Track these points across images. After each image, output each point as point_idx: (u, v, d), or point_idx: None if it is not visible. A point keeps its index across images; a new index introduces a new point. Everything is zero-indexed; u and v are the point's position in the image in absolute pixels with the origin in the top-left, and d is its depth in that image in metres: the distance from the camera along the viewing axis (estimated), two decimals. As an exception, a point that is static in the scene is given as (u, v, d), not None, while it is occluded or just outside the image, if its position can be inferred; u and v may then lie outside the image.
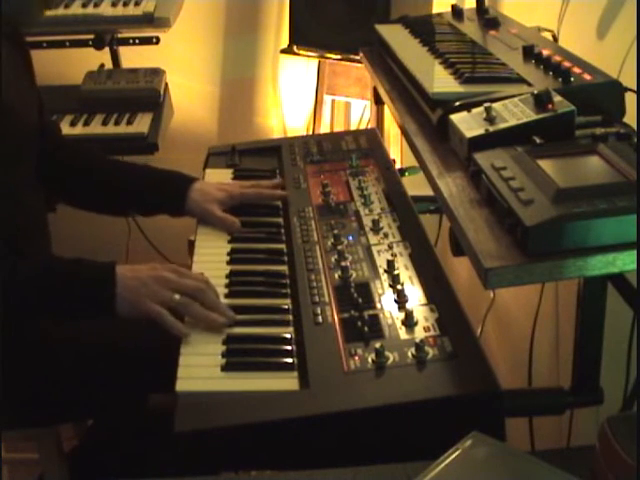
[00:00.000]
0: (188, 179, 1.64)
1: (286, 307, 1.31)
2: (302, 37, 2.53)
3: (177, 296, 1.28)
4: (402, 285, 1.29)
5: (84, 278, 1.32)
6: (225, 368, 1.16)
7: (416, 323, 1.20)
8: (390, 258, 1.36)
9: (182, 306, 1.27)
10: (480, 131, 1.22)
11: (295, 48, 2.56)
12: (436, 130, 1.38)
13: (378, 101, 2.03)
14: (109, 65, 2.59)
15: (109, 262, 1.33)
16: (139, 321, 1.49)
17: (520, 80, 1.42)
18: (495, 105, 1.27)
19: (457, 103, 1.35)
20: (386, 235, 1.46)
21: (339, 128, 2.83)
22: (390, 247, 1.42)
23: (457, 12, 1.97)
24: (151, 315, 1.28)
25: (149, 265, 1.34)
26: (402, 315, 1.22)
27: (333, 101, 2.82)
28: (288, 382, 1.13)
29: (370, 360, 1.13)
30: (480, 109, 1.27)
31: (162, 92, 2.39)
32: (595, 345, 1.14)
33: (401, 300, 1.25)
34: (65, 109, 2.32)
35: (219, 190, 1.63)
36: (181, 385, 1.12)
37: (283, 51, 2.63)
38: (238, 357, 1.18)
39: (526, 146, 1.15)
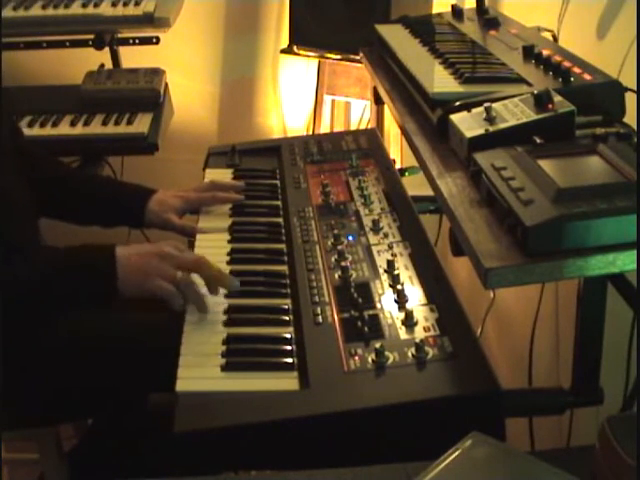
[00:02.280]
0: (147, 191, 1.67)
1: (286, 307, 1.31)
2: (302, 37, 2.53)
3: (180, 273, 1.31)
4: (402, 285, 1.29)
5: (84, 262, 1.34)
6: (225, 368, 1.16)
7: (416, 323, 1.20)
8: (390, 258, 1.36)
9: (183, 285, 1.30)
10: (480, 131, 1.22)
11: (295, 48, 2.56)
12: (436, 130, 1.38)
13: (378, 101, 2.03)
14: (109, 65, 2.59)
15: (108, 245, 1.35)
16: (139, 319, 1.49)
17: (520, 80, 1.42)
18: (495, 105, 1.27)
19: (457, 103, 1.35)
20: (386, 235, 1.46)
21: (339, 128, 2.83)
22: (390, 247, 1.42)
23: (457, 12, 1.97)
24: (158, 292, 1.30)
25: (151, 243, 1.38)
26: (402, 315, 1.22)
27: (333, 101, 2.82)
28: (288, 382, 1.13)
29: (370, 360, 1.13)
30: (480, 109, 1.27)
31: (162, 92, 2.39)
32: (595, 345, 1.14)
33: (401, 300, 1.25)
34: (65, 109, 2.31)
35: (176, 197, 1.67)
36: (181, 385, 1.12)
37: (283, 51, 2.63)
38: (238, 357, 1.18)
39: (526, 146, 1.15)
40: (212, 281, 1.32)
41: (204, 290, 1.33)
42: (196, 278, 1.34)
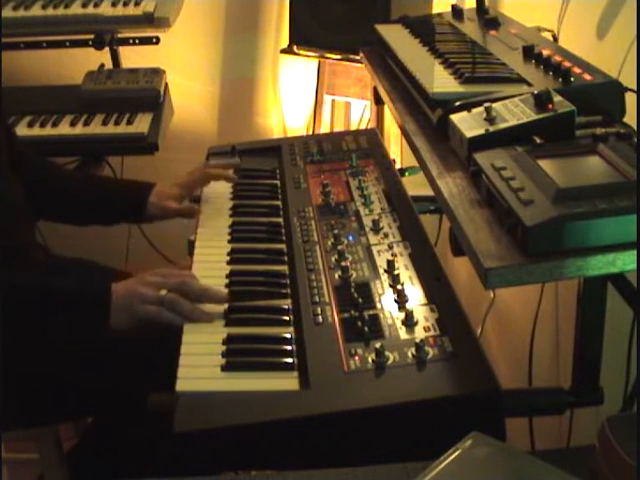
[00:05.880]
0: (147, 186, 1.70)
1: (286, 307, 1.31)
2: (302, 37, 2.53)
3: (163, 291, 1.32)
4: (402, 285, 1.29)
5: (80, 303, 1.35)
6: (225, 368, 1.16)
7: (416, 323, 1.20)
8: (390, 258, 1.36)
9: (169, 303, 1.30)
10: (480, 131, 1.22)
11: (295, 48, 2.56)
12: (436, 130, 1.38)
13: (378, 101, 2.03)
14: (109, 65, 2.59)
15: (104, 285, 1.35)
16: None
17: (520, 80, 1.42)
18: (495, 105, 1.27)
19: (457, 103, 1.35)
20: (386, 235, 1.46)
21: (339, 128, 2.83)
22: (390, 247, 1.42)
23: (457, 12, 1.97)
24: (148, 316, 1.31)
25: (134, 277, 1.39)
26: (402, 315, 1.22)
27: (333, 101, 2.82)
28: (288, 382, 1.13)
29: (370, 360, 1.13)
30: (480, 109, 1.27)
31: (162, 92, 2.38)
32: (595, 345, 1.14)
33: (401, 300, 1.25)
34: (65, 109, 2.31)
35: (172, 186, 1.71)
36: (181, 385, 1.12)
37: (283, 51, 2.63)
38: (238, 357, 1.18)
39: (526, 146, 1.15)
40: (199, 298, 1.32)
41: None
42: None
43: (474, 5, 1.95)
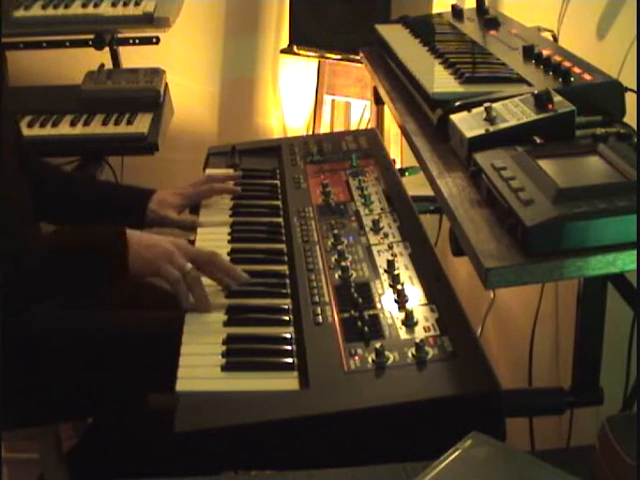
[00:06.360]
0: (147, 192, 1.69)
1: (286, 307, 1.31)
2: (302, 37, 2.53)
3: (190, 265, 1.33)
4: (402, 285, 1.29)
5: (96, 234, 1.38)
6: (225, 368, 1.16)
7: (416, 323, 1.20)
8: (390, 258, 1.36)
9: (190, 279, 1.32)
10: (480, 131, 1.22)
11: (295, 48, 2.57)
12: (436, 130, 1.38)
13: (378, 101, 2.02)
14: (109, 65, 2.59)
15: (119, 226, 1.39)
16: (140, 319, 1.49)
17: (520, 80, 1.42)
18: (495, 105, 1.27)
19: (457, 103, 1.35)
20: (386, 235, 1.46)
21: (339, 128, 2.83)
22: (390, 247, 1.42)
23: (457, 12, 1.97)
24: (166, 277, 1.32)
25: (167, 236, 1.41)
26: (402, 315, 1.22)
27: (333, 101, 2.82)
28: (288, 382, 1.13)
29: (370, 360, 1.13)
30: (480, 109, 1.27)
31: (162, 92, 2.38)
32: (595, 345, 1.14)
33: (401, 300, 1.25)
34: (65, 109, 2.31)
35: (174, 195, 1.69)
36: (181, 385, 1.12)
37: (283, 51, 2.63)
38: (238, 357, 1.18)
39: (526, 146, 1.15)
40: (225, 274, 1.34)
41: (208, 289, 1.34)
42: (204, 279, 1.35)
43: (474, 5, 1.95)
